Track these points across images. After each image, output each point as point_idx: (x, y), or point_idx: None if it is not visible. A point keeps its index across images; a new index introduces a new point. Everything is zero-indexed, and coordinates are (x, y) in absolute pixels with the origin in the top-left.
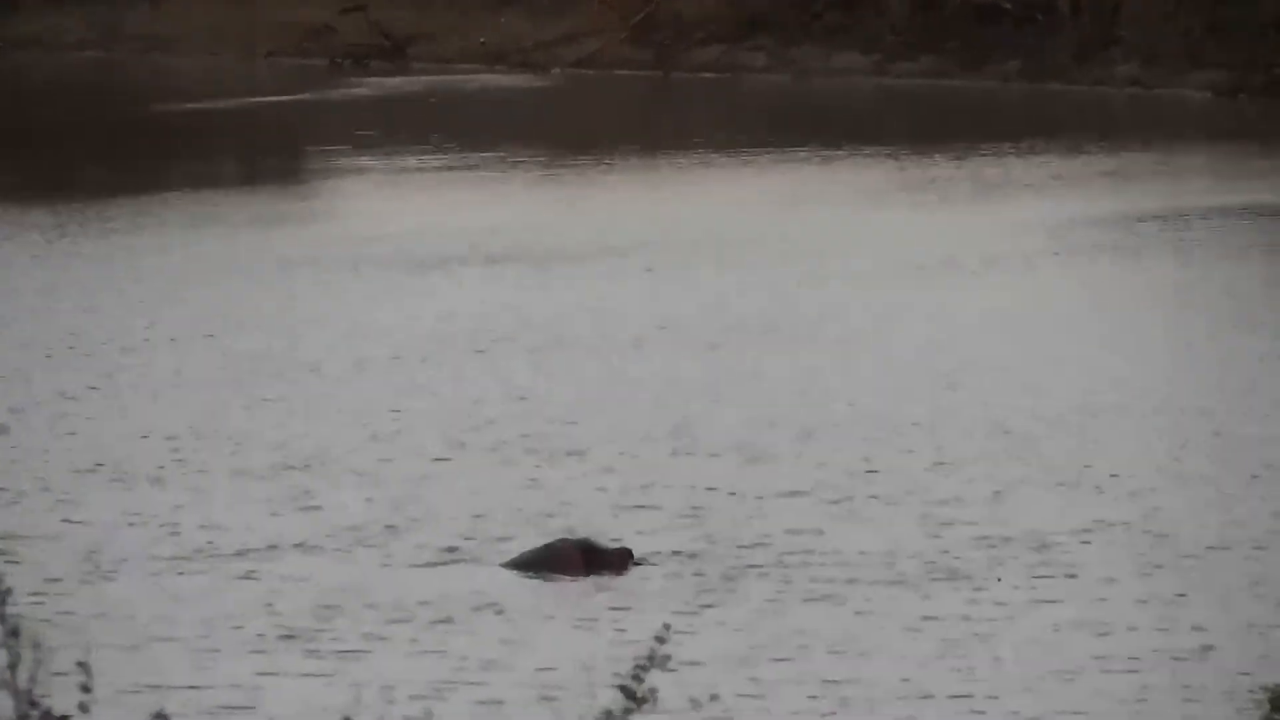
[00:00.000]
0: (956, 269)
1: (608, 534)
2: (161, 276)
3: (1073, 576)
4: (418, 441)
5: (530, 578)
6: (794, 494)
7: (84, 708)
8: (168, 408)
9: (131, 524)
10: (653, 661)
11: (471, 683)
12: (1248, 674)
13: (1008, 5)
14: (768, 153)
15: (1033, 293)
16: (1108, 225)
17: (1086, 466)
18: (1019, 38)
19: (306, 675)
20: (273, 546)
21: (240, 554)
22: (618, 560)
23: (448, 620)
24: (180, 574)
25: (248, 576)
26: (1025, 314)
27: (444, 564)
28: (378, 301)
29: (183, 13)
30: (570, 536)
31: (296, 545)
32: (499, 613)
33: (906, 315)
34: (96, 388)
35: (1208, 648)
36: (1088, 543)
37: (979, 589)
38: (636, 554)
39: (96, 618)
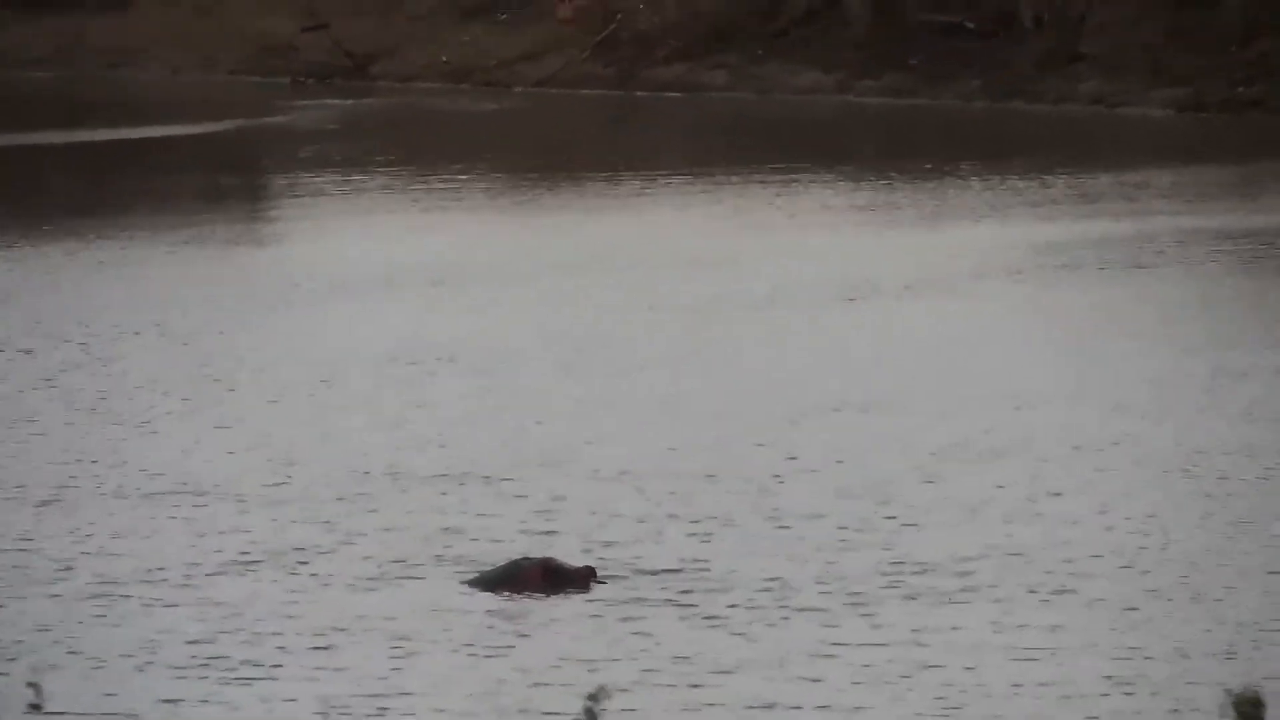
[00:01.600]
0: (877, 293)
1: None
2: (103, 297)
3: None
4: (335, 468)
5: (491, 596)
6: (694, 519)
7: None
8: (85, 431)
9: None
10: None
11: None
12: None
13: (970, 24)
14: (725, 173)
15: (940, 317)
16: (1051, 249)
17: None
18: (982, 55)
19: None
20: (196, 565)
21: (154, 576)
22: (581, 577)
23: (406, 637)
24: (126, 596)
25: (187, 589)
26: (909, 340)
27: (403, 579)
28: (312, 324)
29: (146, 29)
30: (531, 556)
31: (232, 563)
32: (447, 630)
33: (787, 340)
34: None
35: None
36: (973, 572)
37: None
38: (600, 572)
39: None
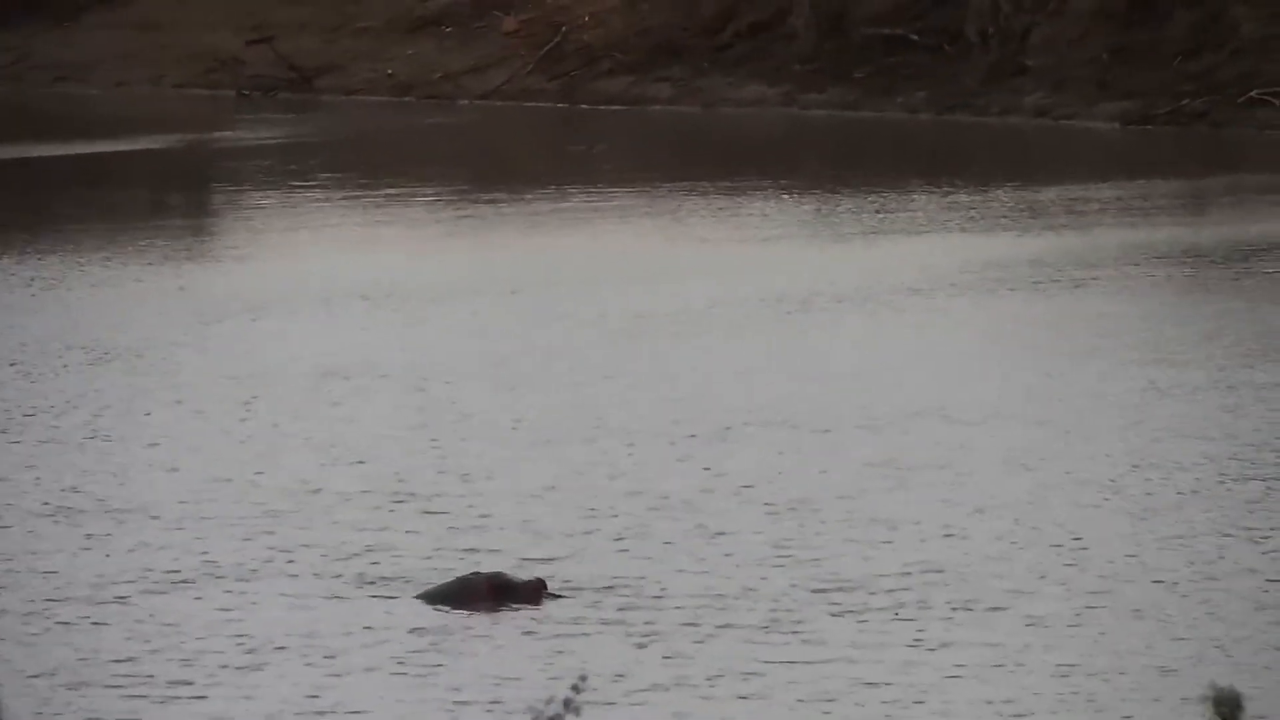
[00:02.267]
0: (813, 307)
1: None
2: (35, 314)
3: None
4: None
5: (440, 611)
6: (624, 537)
7: None
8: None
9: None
10: (568, 709)
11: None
12: None
13: (915, 36)
14: (669, 187)
15: (876, 331)
16: (988, 264)
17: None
18: (927, 68)
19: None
20: (128, 583)
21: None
22: (530, 592)
23: (333, 655)
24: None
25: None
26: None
27: (353, 596)
28: (246, 341)
29: (92, 44)
30: (481, 570)
31: (183, 581)
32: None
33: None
34: None
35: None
36: (907, 589)
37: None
38: (551, 586)
39: None
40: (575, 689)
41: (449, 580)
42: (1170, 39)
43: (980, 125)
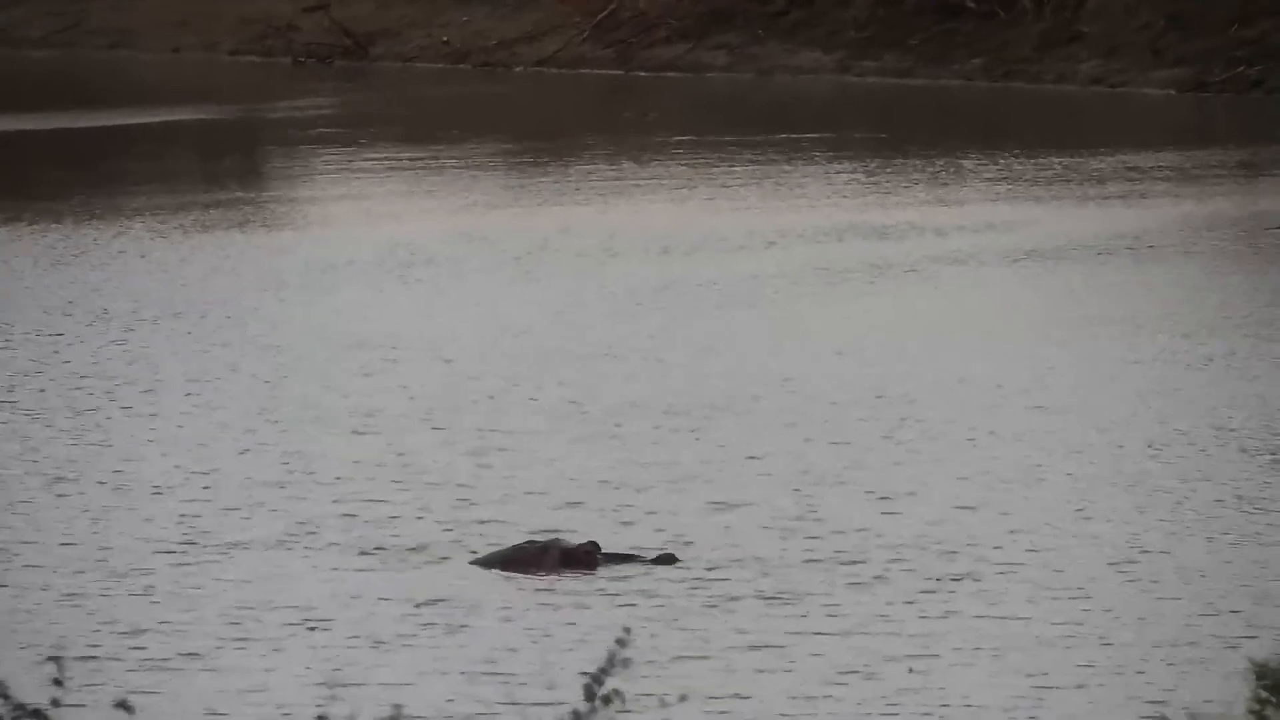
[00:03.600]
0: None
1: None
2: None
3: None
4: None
5: (501, 576)
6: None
7: (56, 702)
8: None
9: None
10: (613, 663)
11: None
12: None
13: (971, 3)
14: (719, 155)
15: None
16: (1044, 235)
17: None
18: (981, 34)
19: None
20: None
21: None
22: (586, 557)
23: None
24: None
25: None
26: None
27: (417, 565)
28: (283, 313)
29: (145, 11)
30: (536, 539)
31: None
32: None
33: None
34: None
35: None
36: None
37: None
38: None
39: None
40: (620, 642)
41: (505, 548)
42: (1224, 5)
43: (1035, 92)
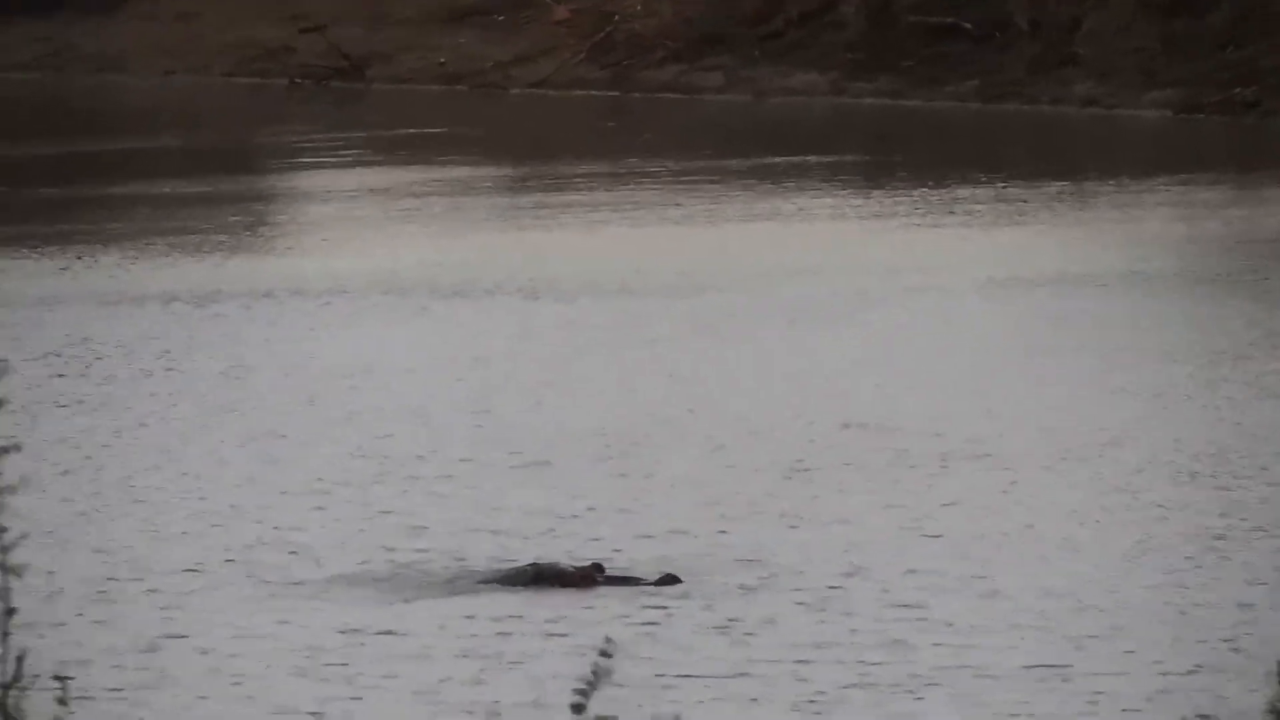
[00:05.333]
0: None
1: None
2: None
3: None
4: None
5: (509, 593)
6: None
7: None
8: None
9: None
10: (599, 676)
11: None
12: None
13: (966, 25)
14: (711, 179)
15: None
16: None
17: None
18: (976, 56)
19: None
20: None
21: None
22: (584, 578)
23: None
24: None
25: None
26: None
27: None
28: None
29: (132, 34)
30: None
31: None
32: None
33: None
34: None
35: None
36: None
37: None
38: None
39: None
40: (604, 654)
41: (509, 569)
42: (1217, 27)
43: (1029, 114)
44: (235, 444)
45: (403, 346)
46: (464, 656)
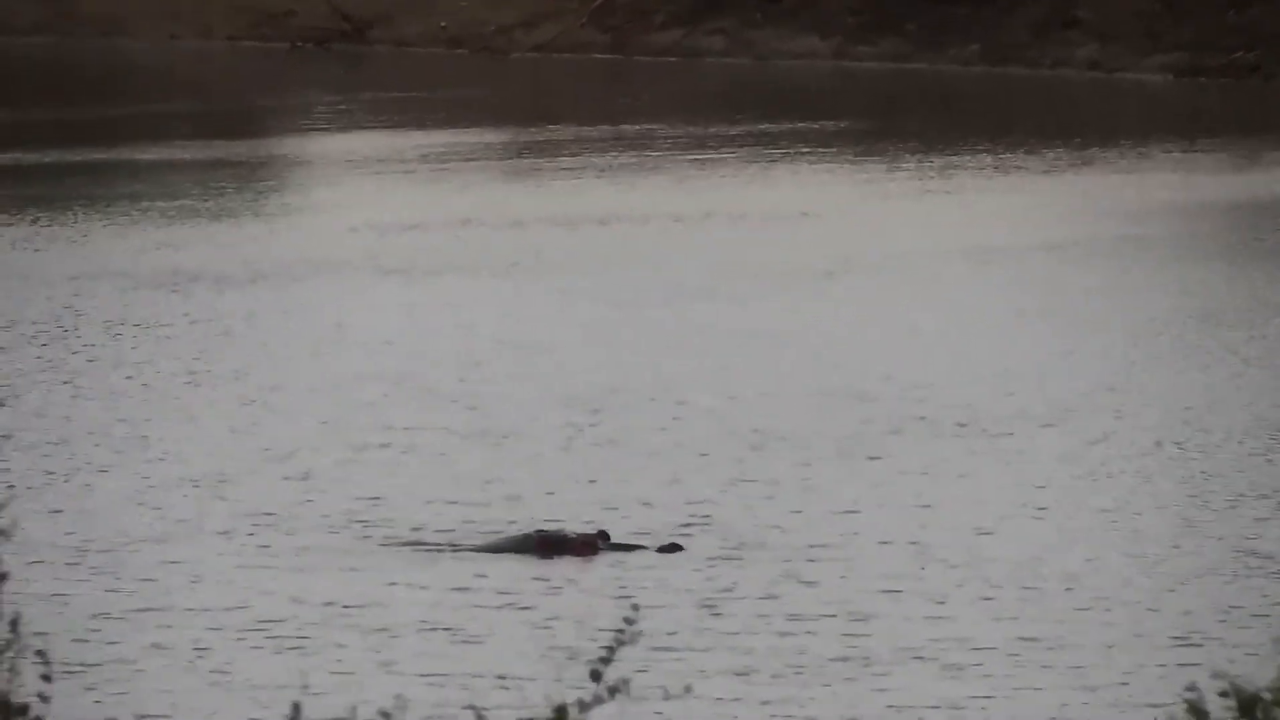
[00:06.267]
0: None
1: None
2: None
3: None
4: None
5: (510, 560)
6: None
7: (44, 697)
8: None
9: None
10: (622, 642)
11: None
12: None
13: None
14: (711, 149)
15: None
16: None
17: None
18: (978, 20)
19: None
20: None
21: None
22: (585, 545)
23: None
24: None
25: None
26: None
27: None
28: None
29: None
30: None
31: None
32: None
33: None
34: None
35: None
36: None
37: None
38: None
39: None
40: (628, 620)
41: (512, 535)
42: None
43: (1034, 78)
44: (213, 412)
45: (386, 316)
46: (473, 621)
